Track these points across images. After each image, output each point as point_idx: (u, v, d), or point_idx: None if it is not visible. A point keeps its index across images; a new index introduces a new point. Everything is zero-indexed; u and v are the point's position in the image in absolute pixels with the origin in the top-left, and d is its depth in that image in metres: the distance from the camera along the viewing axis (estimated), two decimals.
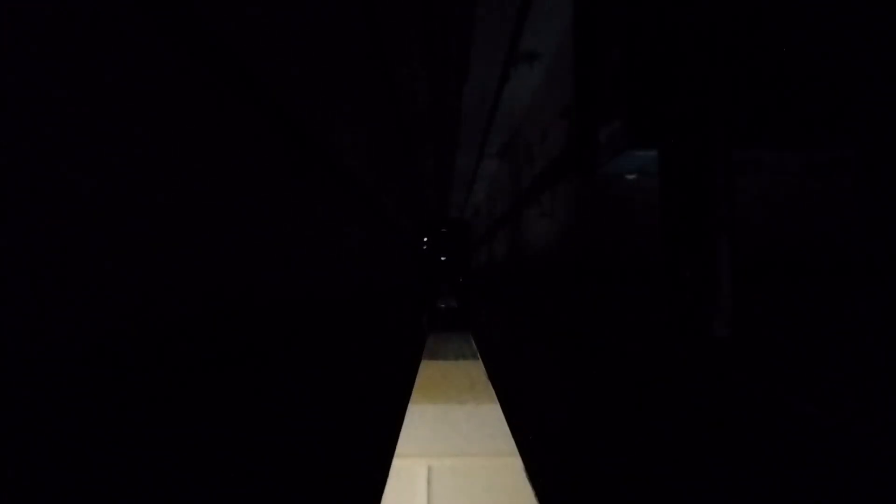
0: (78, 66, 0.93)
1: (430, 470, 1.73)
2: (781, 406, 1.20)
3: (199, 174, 1.37)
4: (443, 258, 16.30)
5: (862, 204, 1.22)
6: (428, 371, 3.24)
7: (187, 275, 1.29)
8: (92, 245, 0.96)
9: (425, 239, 15.83)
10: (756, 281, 1.37)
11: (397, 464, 1.78)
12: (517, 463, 1.77)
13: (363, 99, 4.22)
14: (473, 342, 4.33)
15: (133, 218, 1.08)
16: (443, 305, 15.74)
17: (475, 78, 5.58)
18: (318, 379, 2.27)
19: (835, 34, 1.17)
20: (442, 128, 7.74)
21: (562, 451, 1.90)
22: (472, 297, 11.33)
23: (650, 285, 1.89)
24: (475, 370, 3.16)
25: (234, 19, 1.59)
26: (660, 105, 1.35)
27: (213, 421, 1.32)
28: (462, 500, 1.51)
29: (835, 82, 1.19)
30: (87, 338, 0.94)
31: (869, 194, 1.18)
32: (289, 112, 2.12)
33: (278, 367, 1.80)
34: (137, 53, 1.11)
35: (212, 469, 1.26)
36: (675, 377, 1.66)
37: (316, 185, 2.60)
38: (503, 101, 5.71)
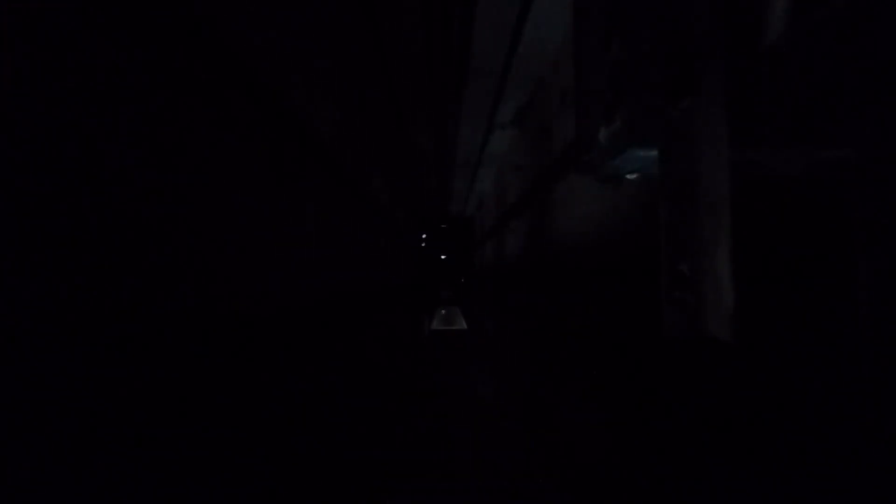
0: (74, 63, 0.95)
1: None
2: (782, 406, 1.21)
3: (194, 172, 1.38)
4: (443, 257, 15.13)
5: (861, 204, 1.09)
6: None
7: (179, 276, 1.29)
8: (93, 245, 0.98)
9: (424, 236, 14.74)
10: (757, 281, 1.29)
11: None
12: None
13: (347, 63, 3.62)
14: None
15: (134, 218, 1.10)
16: (443, 311, 14.21)
17: (486, 10, 4.01)
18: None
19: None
20: (441, 91, 6.15)
21: None
22: (479, 313, 9.29)
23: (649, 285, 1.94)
24: None
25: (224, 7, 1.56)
26: (660, 105, 1.36)
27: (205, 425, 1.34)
28: None
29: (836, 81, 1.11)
30: (88, 338, 0.94)
31: (868, 194, 1.06)
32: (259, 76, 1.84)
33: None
34: (134, 51, 1.13)
35: (211, 471, 1.33)
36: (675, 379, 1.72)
37: (295, 169, 2.30)
38: (526, 35, 4.11)
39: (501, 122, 6.24)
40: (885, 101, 0.92)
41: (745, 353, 1.35)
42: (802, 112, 1.08)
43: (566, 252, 3.87)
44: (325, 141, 3.01)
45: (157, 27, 1.23)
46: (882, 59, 0.91)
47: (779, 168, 1.27)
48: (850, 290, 1.04)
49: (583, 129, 1.70)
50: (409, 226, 10.18)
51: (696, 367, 1.60)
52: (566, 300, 3.76)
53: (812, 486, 1.14)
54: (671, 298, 1.26)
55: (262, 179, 1.87)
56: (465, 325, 5.05)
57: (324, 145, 2.96)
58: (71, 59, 0.92)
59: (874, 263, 0.96)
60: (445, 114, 6.53)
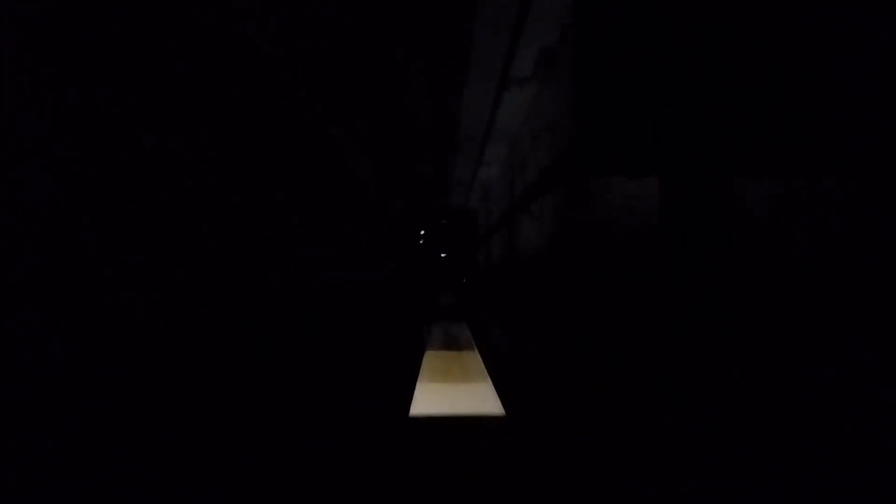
0: (85, 67, 0.93)
1: None
2: (781, 406, 1.23)
3: (198, 174, 1.38)
4: (443, 255, 13.89)
5: (860, 209, 1.15)
6: None
7: (187, 276, 1.29)
8: (97, 247, 0.97)
9: (422, 232, 13.51)
10: (755, 283, 1.26)
11: None
12: None
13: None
14: None
15: (136, 219, 1.09)
16: (440, 324, 12.59)
17: None
18: None
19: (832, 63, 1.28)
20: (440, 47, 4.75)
21: None
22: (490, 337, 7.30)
23: (651, 286, 1.91)
24: None
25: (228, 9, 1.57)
26: (660, 133, 1.47)
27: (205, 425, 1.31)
28: None
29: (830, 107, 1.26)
30: (91, 339, 0.93)
31: (867, 199, 1.11)
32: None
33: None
34: (143, 56, 1.13)
35: (211, 471, 1.29)
36: (676, 378, 1.67)
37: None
38: None
39: (518, 76, 4.86)
40: None
41: (742, 352, 1.39)
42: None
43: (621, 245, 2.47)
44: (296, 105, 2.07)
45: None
46: None
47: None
48: (849, 291, 1.10)
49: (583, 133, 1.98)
50: (407, 220, 8.84)
51: None
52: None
53: (811, 485, 1.14)
54: (671, 299, 1.54)
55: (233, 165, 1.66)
56: (499, 405, 2.28)
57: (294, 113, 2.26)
58: (81, 59, 0.91)
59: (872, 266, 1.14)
60: (447, 67, 5.14)
